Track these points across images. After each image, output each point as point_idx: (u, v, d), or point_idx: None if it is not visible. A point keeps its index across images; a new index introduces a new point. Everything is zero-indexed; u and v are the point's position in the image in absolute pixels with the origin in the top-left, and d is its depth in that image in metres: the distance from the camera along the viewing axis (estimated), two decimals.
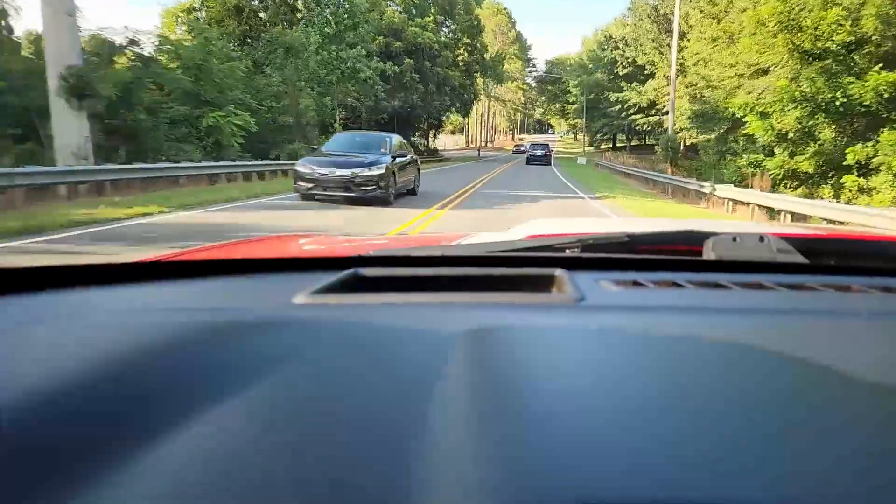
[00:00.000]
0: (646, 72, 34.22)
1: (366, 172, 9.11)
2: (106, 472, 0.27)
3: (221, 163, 13.76)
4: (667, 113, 23.98)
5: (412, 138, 31.31)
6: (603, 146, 54.54)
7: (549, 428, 0.30)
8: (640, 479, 0.26)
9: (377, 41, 28.03)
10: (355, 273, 0.69)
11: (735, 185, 13.01)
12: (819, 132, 12.33)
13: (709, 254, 0.83)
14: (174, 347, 0.44)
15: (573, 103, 58.29)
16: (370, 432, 0.32)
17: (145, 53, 14.64)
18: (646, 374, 0.41)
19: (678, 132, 23.89)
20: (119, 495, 0.26)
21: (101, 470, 0.28)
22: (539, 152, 35.67)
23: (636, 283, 0.68)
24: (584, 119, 51.49)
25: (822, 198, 11.29)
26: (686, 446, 0.29)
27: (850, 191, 11.39)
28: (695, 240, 0.89)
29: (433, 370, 0.40)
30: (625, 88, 35.94)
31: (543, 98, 78.23)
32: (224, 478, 0.27)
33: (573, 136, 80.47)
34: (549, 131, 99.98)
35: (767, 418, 0.34)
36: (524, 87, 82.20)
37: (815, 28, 11.85)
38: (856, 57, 11.86)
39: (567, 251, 0.89)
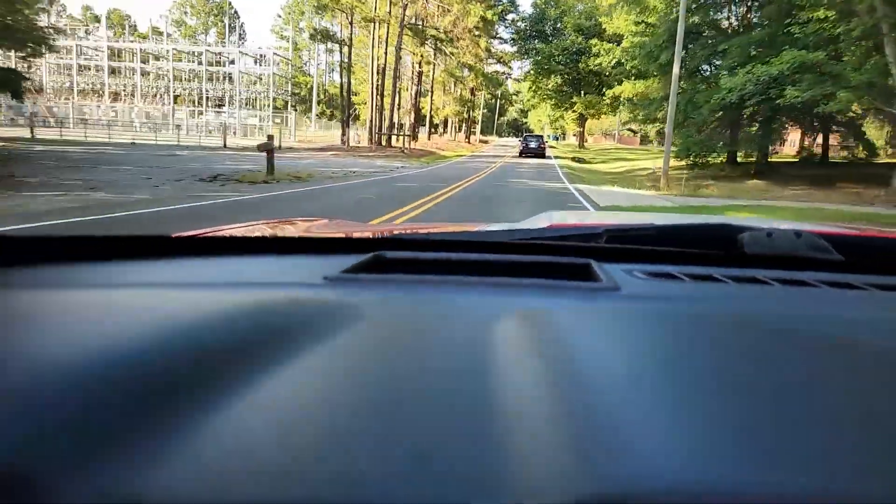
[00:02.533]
0: None
1: None
2: (172, 430, 0.29)
3: None
4: None
5: None
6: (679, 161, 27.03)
7: (620, 414, 0.31)
8: (708, 465, 0.27)
9: None
10: (381, 255, 0.69)
11: None
12: None
13: (743, 249, 0.82)
14: (221, 320, 0.45)
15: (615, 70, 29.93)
16: (440, 410, 0.32)
17: None
18: (693, 358, 0.41)
19: None
20: (191, 451, 0.27)
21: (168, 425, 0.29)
22: (533, 144, 35.41)
23: (671, 276, 0.67)
24: (673, 85, 15.85)
25: None
26: (744, 435, 0.30)
27: None
28: (726, 234, 0.86)
29: (481, 348, 0.41)
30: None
31: (526, 66, 48.80)
32: (289, 437, 0.29)
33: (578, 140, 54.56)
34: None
35: (820, 412, 0.34)
36: (488, 36, 41.94)
37: None
38: None
39: (593, 242, 0.86)
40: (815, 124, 22.00)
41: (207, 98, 45.77)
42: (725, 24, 22.29)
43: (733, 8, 22.08)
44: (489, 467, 0.27)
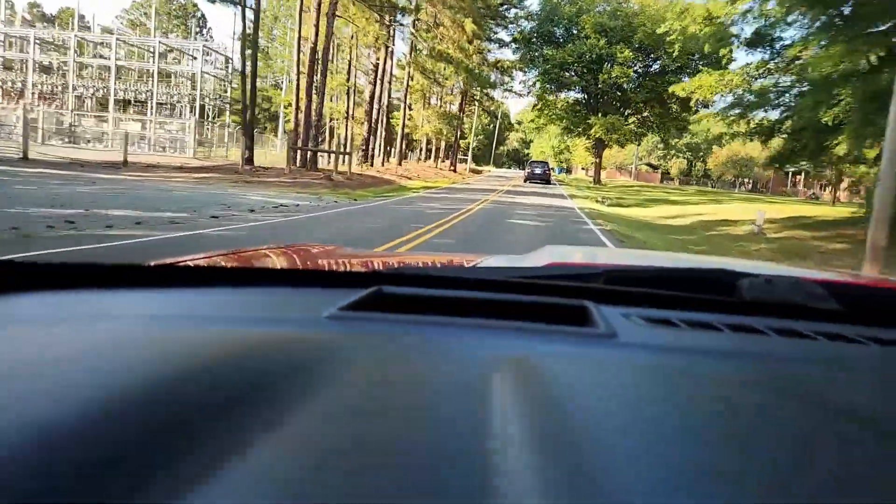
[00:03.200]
0: None
1: None
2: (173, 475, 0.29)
3: None
4: None
5: None
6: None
7: (602, 463, 0.32)
8: None
9: None
10: (380, 290, 0.70)
11: None
12: None
13: (742, 295, 0.81)
14: (214, 358, 0.46)
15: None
16: (427, 453, 0.33)
17: None
18: (685, 415, 0.42)
19: None
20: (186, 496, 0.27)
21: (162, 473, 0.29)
22: (538, 170, 35.27)
23: (669, 322, 0.67)
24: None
25: None
26: (732, 490, 0.31)
27: None
28: (726, 280, 0.86)
29: (474, 395, 0.42)
30: None
31: (535, 76, 37.00)
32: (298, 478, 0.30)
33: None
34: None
35: (807, 469, 0.35)
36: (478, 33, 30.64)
37: None
38: None
39: (592, 283, 0.85)
40: None
41: (126, 101, 35.77)
42: None
43: None
44: None
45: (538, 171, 35.36)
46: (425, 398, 0.41)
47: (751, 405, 0.44)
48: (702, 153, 59.16)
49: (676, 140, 45.88)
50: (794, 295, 0.80)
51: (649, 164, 63.07)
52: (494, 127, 64.92)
